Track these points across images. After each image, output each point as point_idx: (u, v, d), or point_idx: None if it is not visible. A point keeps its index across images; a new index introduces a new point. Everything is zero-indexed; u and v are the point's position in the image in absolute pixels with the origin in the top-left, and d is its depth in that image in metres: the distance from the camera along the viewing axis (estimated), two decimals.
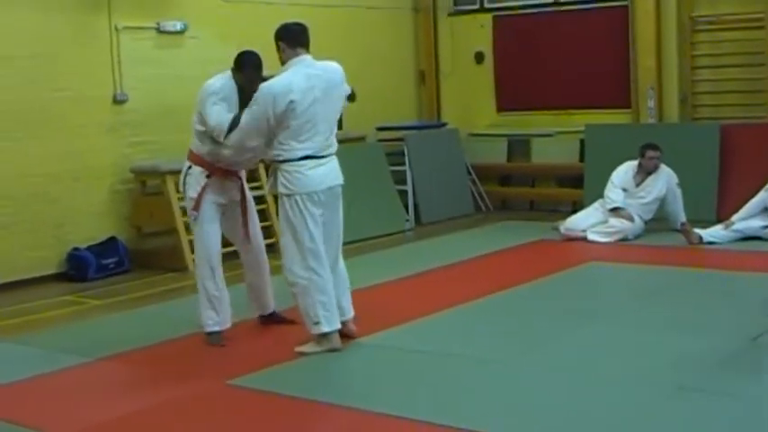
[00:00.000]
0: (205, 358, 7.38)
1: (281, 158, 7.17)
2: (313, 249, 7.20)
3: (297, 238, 7.19)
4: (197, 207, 7.60)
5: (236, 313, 7.96)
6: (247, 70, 7.54)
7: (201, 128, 7.53)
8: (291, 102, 7.00)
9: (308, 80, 7.15)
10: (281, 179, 7.18)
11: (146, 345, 7.75)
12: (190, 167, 7.69)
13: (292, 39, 7.32)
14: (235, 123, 7.27)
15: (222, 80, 7.58)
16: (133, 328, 8.34)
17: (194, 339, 7.83)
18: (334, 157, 7.40)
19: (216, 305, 7.70)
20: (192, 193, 7.63)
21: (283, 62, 7.29)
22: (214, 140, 7.47)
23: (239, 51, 7.69)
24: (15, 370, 7.19)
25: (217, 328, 7.71)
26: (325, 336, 7.24)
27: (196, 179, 7.63)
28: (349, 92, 7.72)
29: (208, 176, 7.61)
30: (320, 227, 7.25)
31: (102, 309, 9.38)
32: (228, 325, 7.80)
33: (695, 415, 5.67)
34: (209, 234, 7.68)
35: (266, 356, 7.20)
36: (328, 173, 7.29)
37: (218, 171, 7.66)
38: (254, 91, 7.19)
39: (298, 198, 7.14)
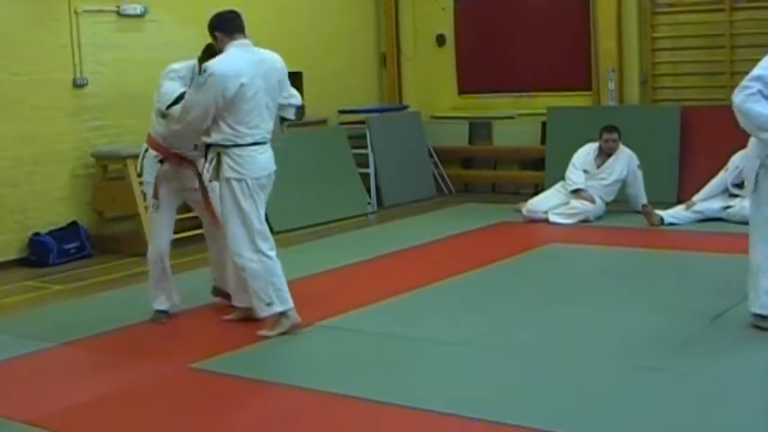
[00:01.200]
0: (168, 342, 7.38)
1: (228, 143, 7.12)
2: (263, 232, 7.26)
3: (246, 222, 7.19)
4: (156, 194, 7.65)
5: (198, 298, 7.95)
6: (205, 57, 7.47)
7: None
8: (242, 85, 7.03)
9: (253, 66, 7.17)
10: (227, 164, 7.14)
11: (108, 329, 7.72)
12: (146, 150, 7.78)
13: (228, 27, 7.31)
14: (181, 98, 7.29)
15: (185, 64, 7.64)
16: (95, 313, 8.32)
17: (156, 324, 7.83)
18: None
19: (163, 286, 7.85)
20: (149, 177, 7.71)
21: (220, 51, 7.27)
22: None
23: (207, 43, 7.63)
24: None
25: (163, 307, 7.86)
26: (282, 315, 7.27)
27: (150, 163, 7.73)
28: (299, 104, 7.79)
29: (161, 161, 7.68)
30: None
31: (64, 294, 9.34)
32: (173, 307, 7.94)
33: (652, 394, 5.72)
34: (161, 221, 7.77)
35: (228, 340, 7.20)
36: (269, 159, 7.33)
37: (173, 157, 7.69)
38: None
39: (248, 181, 7.15)
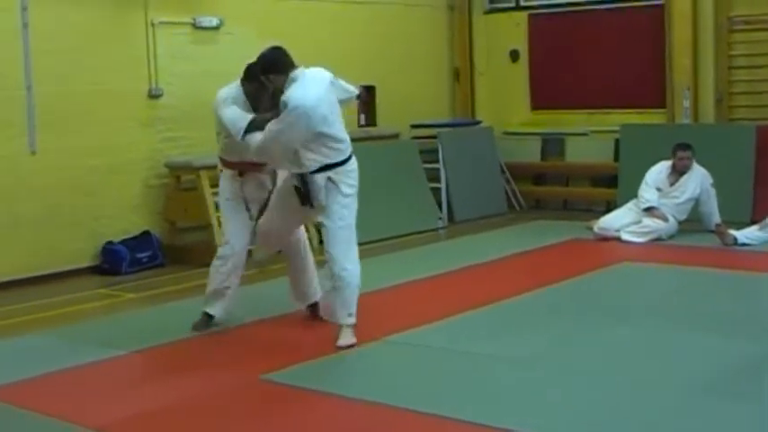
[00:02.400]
0: (238, 353, 7.40)
1: (336, 161, 7.29)
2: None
3: (354, 236, 7.50)
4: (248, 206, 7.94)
5: (269, 308, 7.98)
6: (254, 82, 7.64)
7: (226, 138, 7.76)
8: (323, 115, 7.17)
9: (322, 90, 7.30)
10: (344, 182, 7.33)
11: (178, 338, 7.78)
12: (221, 171, 8.04)
13: (280, 67, 7.33)
14: (253, 125, 7.40)
15: (229, 89, 7.80)
16: (166, 322, 8.37)
17: (227, 334, 7.88)
18: None
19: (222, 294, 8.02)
20: (228, 194, 7.97)
21: (276, 89, 7.33)
22: (235, 143, 7.63)
23: (248, 63, 7.77)
24: (48, 362, 7.22)
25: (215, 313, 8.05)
26: (350, 327, 7.42)
27: (228, 181, 7.96)
28: (357, 92, 7.96)
29: (240, 174, 7.88)
30: None
31: (136, 302, 9.42)
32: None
33: (722, 418, 5.64)
34: (243, 224, 7.95)
35: (299, 352, 7.22)
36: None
37: (250, 167, 7.84)
38: (262, 100, 7.51)
39: (356, 195, 7.43)
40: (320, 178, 7.29)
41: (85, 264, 10.71)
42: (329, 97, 7.33)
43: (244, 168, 7.85)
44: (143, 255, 10.88)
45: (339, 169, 7.31)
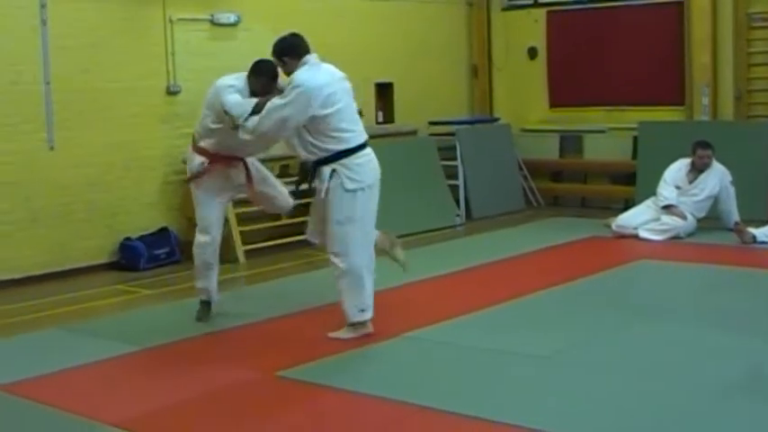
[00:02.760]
0: (255, 349, 7.40)
1: (335, 150, 7.29)
2: (371, 241, 7.50)
3: (364, 230, 7.41)
4: (192, 180, 8.16)
5: (286, 305, 7.98)
6: (263, 78, 7.72)
7: (215, 125, 7.78)
8: (329, 94, 7.25)
9: (330, 76, 7.42)
10: (346, 176, 7.30)
11: (195, 335, 7.81)
12: (194, 158, 8.13)
13: (297, 51, 7.48)
14: (257, 109, 7.40)
15: (235, 79, 7.80)
16: (183, 319, 8.38)
17: (244, 331, 7.90)
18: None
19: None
20: (193, 169, 8.16)
21: (289, 72, 7.44)
22: (223, 133, 7.73)
23: (256, 59, 7.84)
24: (66, 357, 7.25)
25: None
26: (363, 323, 7.44)
27: (196, 163, 8.08)
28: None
29: (209, 164, 7.99)
30: None
31: (153, 298, 9.45)
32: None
33: (742, 416, 5.62)
34: (212, 214, 8.21)
35: (316, 348, 7.21)
36: (377, 164, 7.57)
37: (222, 160, 7.97)
38: (266, 95, 7.50)
39: (366, 189, 7.38)
40: (326, 171, 7.33)
41: (103, 260, 10.73)
42: (340, 85, 7.41)
43: (214, 159, 7.96)
44: (160, 251, 10.90)
45: (345, 161, 7.31)
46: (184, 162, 11.14)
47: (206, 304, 8.30)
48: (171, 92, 11.29)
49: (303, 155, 7.48)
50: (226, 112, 7.53)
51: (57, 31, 10.26)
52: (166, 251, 10.95)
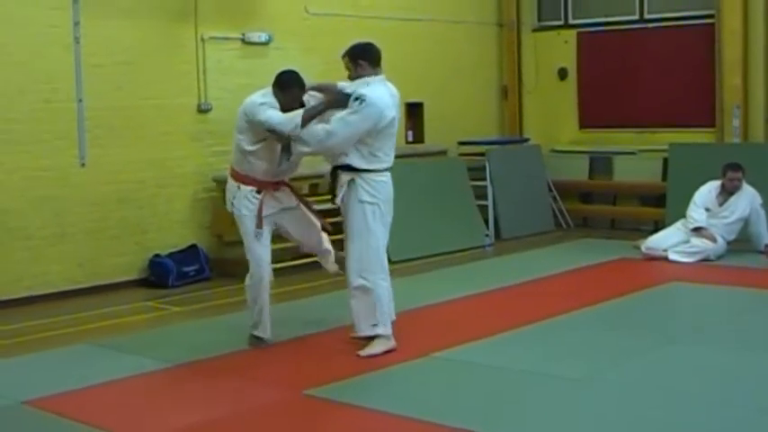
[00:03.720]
0: (282, 368, 7.41)
1: (365, 168, 7.40)
2: (384, 257, 7.60)
3: (372, 245, 7.47)
4: (260, 224, 7.74)
5: (315, 325, 7.99)
6: (295, 89, 7.64)
7: (252, 146, 7.63)
8: (393, 117, 7.42)
9: (392, 100, 7.52)
10: (362, 188, 7.41)
11: (224, 353, 7.80)
12: (239, 188, 7.81)
13: (374, 59, 7.58)
14: (306, 118, 7.37)
15: (263, 96, 7.67)
16: (212, 336, 8.40)
17: (272, 349, 7.89)
18: None
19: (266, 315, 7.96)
20: (246, 210, 7.76)
21: (356, 77, 7.51)
22: (262, 153, 7.62)
23: (279, 71, 7.77)
24: (94, 373, 7.28)
25: (265, 336, 7.98)
26: (381, 337, 7.49)
27: (246, 198, 7.75)
28: None
29: (258, 192, 7.75)
30: None
31: (182, 316, 9.47)
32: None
33: None
34: (264, 250, 7.88)
35: (343, 368, 7.21)
36: (391, 186, 7.64)
37: (268, 186, 7.79)
38: (295, 106, 7.48)
39: (381, 206, 7.46)
40: (344, 177, 7.44)
41: (133, 276, 10.78)
42: (396, 111, 7.54)
43: (262, 186, 7.76)
44: (190, 268, 10.93)
45: (365, 175, 7.41)
46: (214, 180, 11.24)
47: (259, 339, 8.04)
48: (202, 110, 11.34)
49: (330, 160, 7.57)
50: (271, 131, 7.45)
51: (89, 50, 10.33)
52: (195, 268, 10.98)
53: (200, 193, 11.37)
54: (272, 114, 7.46)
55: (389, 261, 7.66)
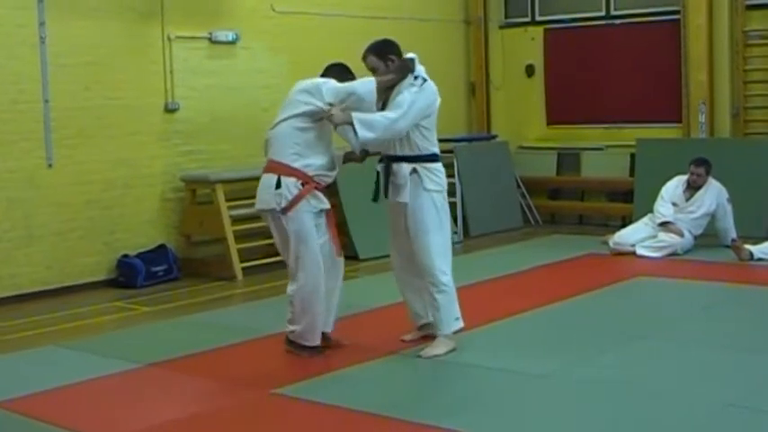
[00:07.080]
0: (251, 367, 7.41)
1: (427, 153, 7.35)
2: (450, 248, 7.49)
3: (448, 237, 7.44)
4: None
5: (280, 322, 8.00)
6: (350, 76, 7.51)
7: (306, 123, 7.19)
8: (438, 102, 7.43)
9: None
10: (427, 177, 7.27)
11: (192, 352, 7.79)
12: (300, 193, 7.20)
13: (400, 52, 7.59)
14: (381, 83, 7.29)
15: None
16: (181, 336, 8.41)
17: (241, 348, 7.90)
18: None
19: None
20: (309, 224, 7.26)
21: (381, 74, 7.35)
22: (316, 131, 7.23)
23: (327, 64, 7.69)
24: (63, 374, 7.26)
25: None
26: (445, 337, 7.42)
27: (309, 208, 7.24)
28: None
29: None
30: None
31: (151, 316, 9.45)
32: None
33: None
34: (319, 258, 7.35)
35: (313, 366, 7.23)
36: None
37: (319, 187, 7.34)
38: None
39: (444, 193, 7.39)
40: (405, 168, 7.26)
41: (101, 277, 10.75)
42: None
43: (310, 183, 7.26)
44: (159, 268, 10.91)
45: (425, 164, 7.30)
46: (182, 180, 11.22)
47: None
48: (169, 109, 11.32)
49: (393, 151, 7.31)
50: (344, 100, 7.07)
51: (56, 50, 10.29)
52: (164, 268, 10.96)
53: (169, 192, 11.35)
54: (346, 83, 7.22)
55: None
